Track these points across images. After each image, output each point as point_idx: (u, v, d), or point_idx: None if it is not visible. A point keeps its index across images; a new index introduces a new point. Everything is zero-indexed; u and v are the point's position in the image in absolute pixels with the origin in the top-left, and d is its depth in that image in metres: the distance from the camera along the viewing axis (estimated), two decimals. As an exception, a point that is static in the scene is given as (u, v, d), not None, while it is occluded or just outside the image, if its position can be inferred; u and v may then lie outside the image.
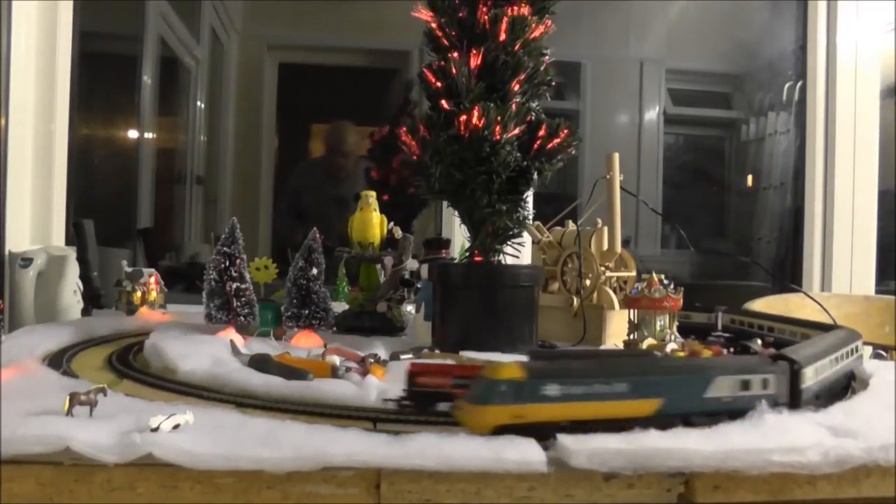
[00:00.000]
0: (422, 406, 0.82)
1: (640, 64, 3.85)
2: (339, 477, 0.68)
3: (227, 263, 1.23)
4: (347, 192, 2.82)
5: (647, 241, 3.64)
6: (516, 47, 1.13)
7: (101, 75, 2.73)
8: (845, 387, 0.99)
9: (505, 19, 1.11)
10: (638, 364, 0.80)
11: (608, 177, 1.36)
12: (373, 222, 1.46)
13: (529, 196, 1.20)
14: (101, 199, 2.79)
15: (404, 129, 1.17)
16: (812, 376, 0.84)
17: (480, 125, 1.08)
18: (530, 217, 1.22)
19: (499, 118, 1.09)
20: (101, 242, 1.91)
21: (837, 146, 2.35)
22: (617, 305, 1.32)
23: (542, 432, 0.70)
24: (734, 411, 0.77)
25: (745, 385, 0.78)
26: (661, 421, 0.73)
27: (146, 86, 3.00)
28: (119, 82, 2.97)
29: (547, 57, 1.18)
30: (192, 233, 3.57)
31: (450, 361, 1.01)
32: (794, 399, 0.81)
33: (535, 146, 1.15)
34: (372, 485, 0.68)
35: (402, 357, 1.08)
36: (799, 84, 2.61)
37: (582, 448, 0.68)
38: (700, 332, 1.31)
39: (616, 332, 1.30)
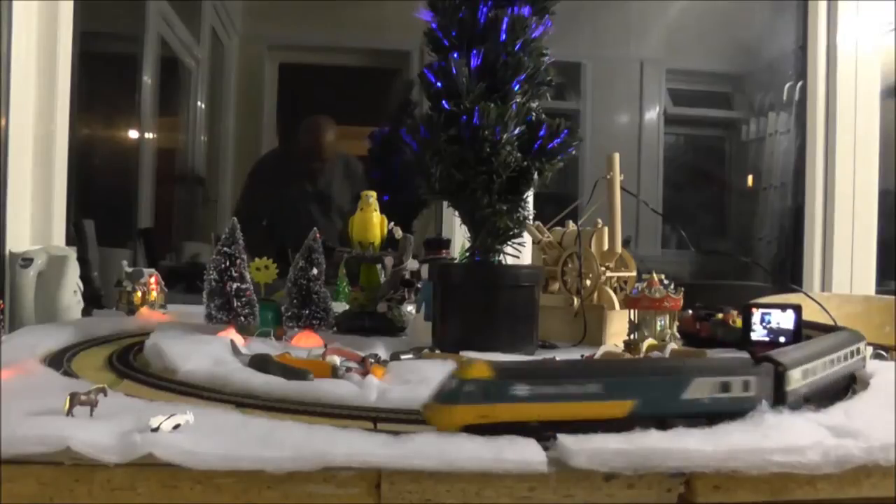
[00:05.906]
0: None
1: (641, 64, 3.85)
2: (339, 477, 0.68)
3: (228, 263, 1.23)
4: (325, 189, 2.78)
5: (647, 242, 3.64)
6: (516, 47, 1.13)
7: (101, 75, 2.72)
8: (845, 387, 0.99)
9: (505, 19, 1.12)
10: (610, 365, 0.78)
11: (608, 177, 1.36)
12: (373, 222, 1.46)
13: (530, 196, 1.21)
14: (102, 199, 2.78)
15: (405, 129, 1.17)
16: (799, 379, 0.82)
17: (481, 125, 1.08)
18: (531, 217, 1.22)
19: (499, 118, 1.09)
20: (102, 242, 1.91)
21: (838, 146, 2.35)
22: (617, 305, 1.32)
23: (512, 432, 0.70)
24: (713, 413, 0.76)
25: (725, 387, 0.77)
26: (636, 422, 0.72)
27: (146, 86, 3.00)
28: (119, 82, 2.97)
29: (547, 57, 1.18)
30: (193, 233, 3.57)
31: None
32: (778, 402, 0.79)
33: (536, 146, 1.15)
34: (372, 485, 0.68)
35: (403, 357, 1.08)
36: (799, 84, 2.61)
37: (582, 448, 0.68)
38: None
39: (616, 332, 1.30)
